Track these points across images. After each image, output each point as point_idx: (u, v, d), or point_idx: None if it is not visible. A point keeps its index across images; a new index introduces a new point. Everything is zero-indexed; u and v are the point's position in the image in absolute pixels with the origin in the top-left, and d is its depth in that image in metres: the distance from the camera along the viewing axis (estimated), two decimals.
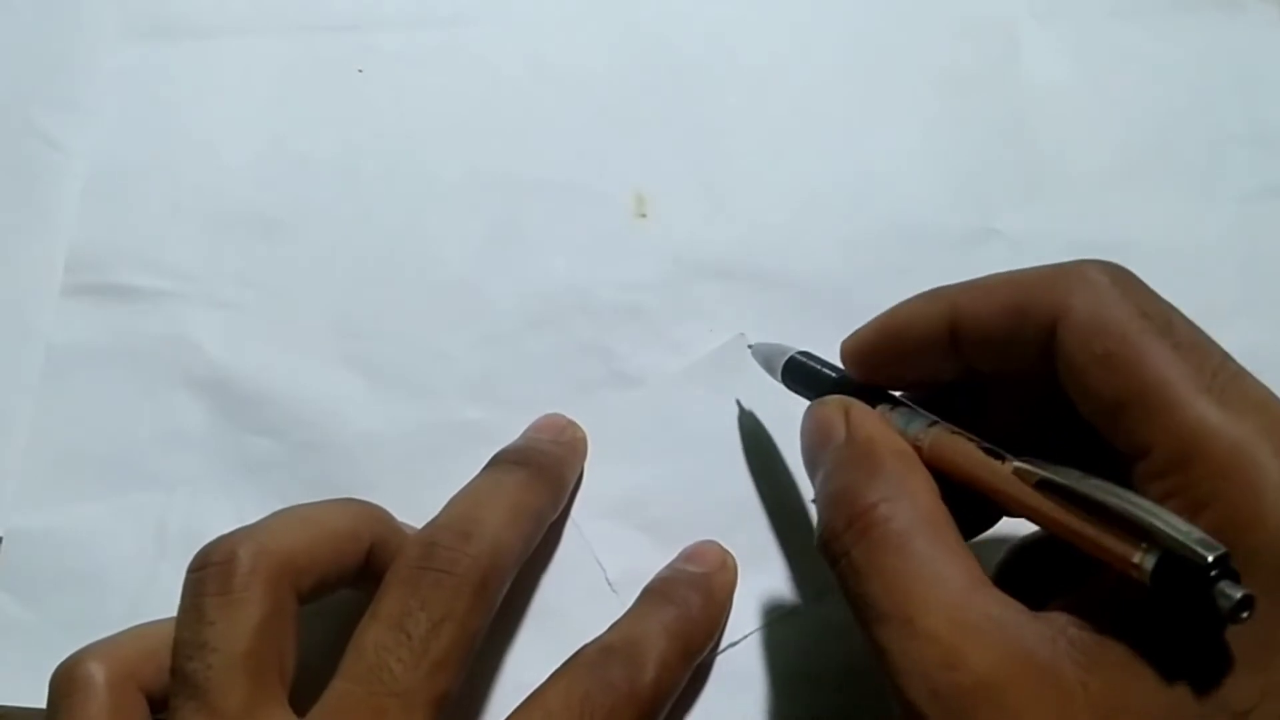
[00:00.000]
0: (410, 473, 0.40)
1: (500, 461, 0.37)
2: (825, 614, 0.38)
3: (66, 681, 0.32)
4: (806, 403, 0.34)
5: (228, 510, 0.40)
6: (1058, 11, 0.47)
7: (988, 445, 0.29)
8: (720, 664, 0.37)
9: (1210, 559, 0.23)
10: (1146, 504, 0.25)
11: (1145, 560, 0.24)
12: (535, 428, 0.40)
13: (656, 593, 0.36)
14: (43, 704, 0.32)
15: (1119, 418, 0.26)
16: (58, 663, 0.32)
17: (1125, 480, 0.26)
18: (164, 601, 0.32)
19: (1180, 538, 0.23)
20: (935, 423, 0.30)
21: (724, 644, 0.37)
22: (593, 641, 0.34)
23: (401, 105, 0.46)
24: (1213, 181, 0.44)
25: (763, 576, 0.38)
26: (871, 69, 0.46)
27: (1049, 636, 0.25)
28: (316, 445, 0.41)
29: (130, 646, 0.33)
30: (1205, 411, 0.24)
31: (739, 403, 0.40)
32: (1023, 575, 0.31)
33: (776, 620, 0.38)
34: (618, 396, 0.41)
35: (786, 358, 0.37)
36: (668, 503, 0.39)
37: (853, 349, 0.33)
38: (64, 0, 0.48)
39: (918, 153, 0.45)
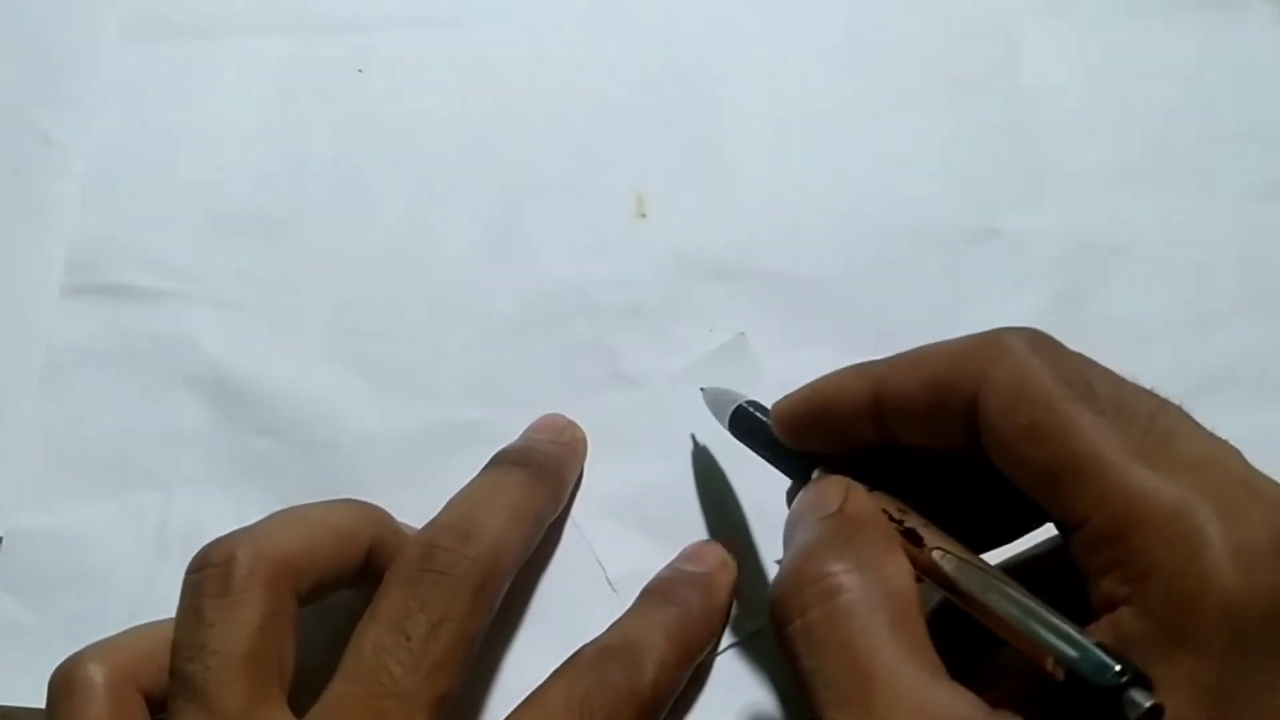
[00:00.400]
0: (410, 473, 0.40)
1: (500, 462, 0.37)
2: None
3: (66, 682, 0.32)
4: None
5: (228, 510, 0.40)
6: (1058, 11, 0.47)
7: (909, 526, 0.29)
8: (720, 664, 0.37)
9: (1108, 677, 0.23)
10: (1046, 618, 0.25)
11: (1058, 669, 0.24)
12: (535, 428, 0.40)
13: (656, 593, 0.36)
14: (43, 704, 0.32)
15: (1051, 488, 0.26)
16: (58, 663, 0.32)
17: (1066, 544, 0.26)
18: (164, 602, 0.32)
19: (1077, 659, 0.23)
20: (870, 490, 0.30)
21: (724, 644, 0.37)
22: (592, 642, 0.34)
23: (401, 105, 0.46)
24: (1212, 181, 0.44)
25: (763, 577, 0.38)
26: (871, 69, 0.46)
27: None
28: (316, 445, 0.41)
29: (130, 648, 0.33)
30: (1138, 476, 0.24)
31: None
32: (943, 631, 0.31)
33: None
34: (618, 396, 0.41)
35: (734, 407, 0.36)
36: (668, 502, 0.39)
37: (781, 415, 0.33)
38: (64, 0, 0.48)
39: (918, 153, 0.45)
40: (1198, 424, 0.26)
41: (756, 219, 0.44)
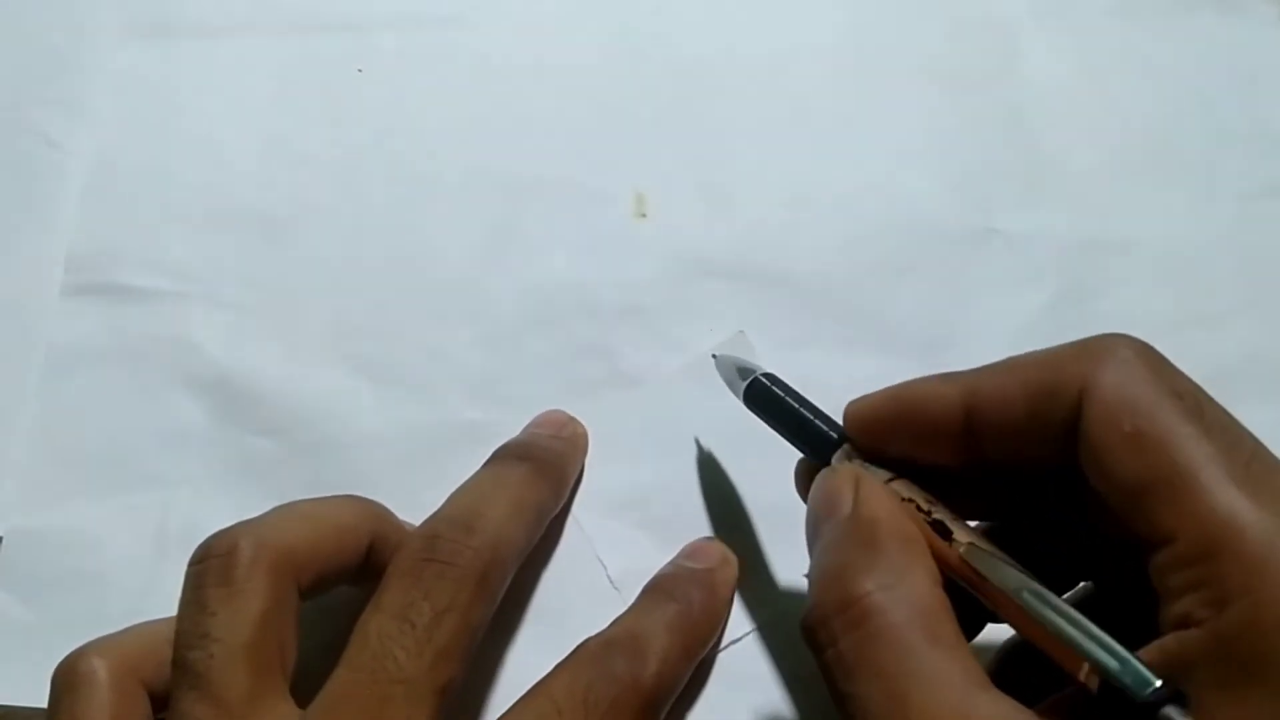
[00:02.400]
0: (410, 473, 0.40)
1: (502, 456, 0.37)
2: None
3: (69, 676, 0.32)
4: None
5: (228, 510, 0.39)
6: (1058, 11, 0.47)
7: (936, 517, 0.28)
8: (722, 661, 0.37)
9: (1147, 694, 0.22)
10: (1085, 625, 0.24)
11: (1090, 678, 0.23)
12: (536, 423, 0.40)
13: (658, 589, 0.36)
14: (43, 704, 0.32)
15: (1143, 500, 0.24)
16: (57, 663, 0.32)
17: (1141, 567, 0.25)
18: (165, 601, 0.32)
19: (1116, 674, 0.23)
20: (892, 479, 0.30)
21: (726, 641, 0.37)
22: (595, 636, 0.34)
23: (401, 105, 0.46)
24: (1212, 181, 0.44)
25: (764, 573, 0.38)
26: (871, 68, 0.46)
27: None
28: (316, 445, 0.41)
29: (132, 642, 0.33)
30: (1237, 502, 0.23)
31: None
32: (1017, 666, 0.31)
33: (778, 617, 0.38)
34: (618, 396, 0.41)
35: (750, 378, 0.35)
36: (668, 501, 0.39)
37: (858, 415, 0.32)
38: (64, 0, 0.48)
39: (917, 152, 0.45)
40: None
41: (756, 219, 0.44)
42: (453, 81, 0.46)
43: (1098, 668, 0.23)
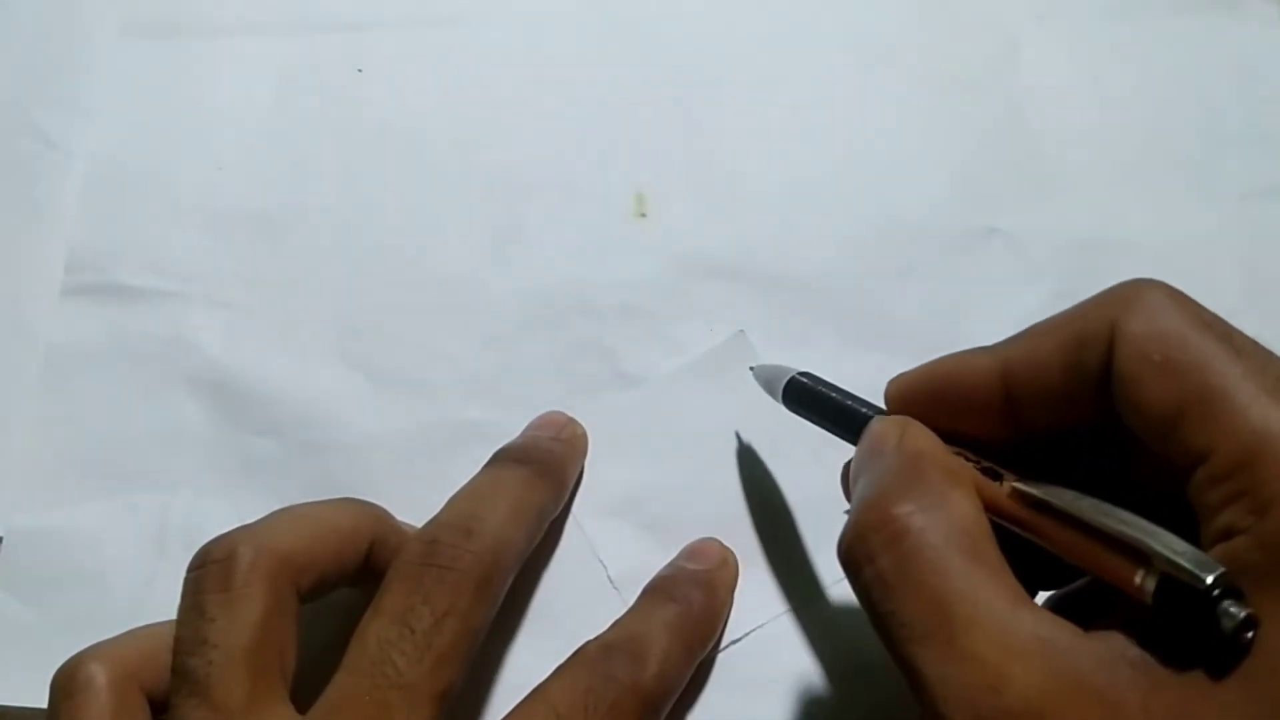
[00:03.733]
0: (410, 473, 0.40)
1: (501, 459, 0.37)
2: (827, 610, 0.38)
3: (68, 682, 0.32)
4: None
5: (228, 510, 0.40)
6: (1057, 12, 0.47)
7: (986, 464, 0.28)
8: (722, 661, 0.37)
9: (1209, 580, 0.22)
10: (1142, 524, 0.24)
11: (1146, 582, 0.23)
12: (535, 425, 0.40)
13: (658, 590, 0.36)
14: (43, 704, 0.32)
15: (1178, 424, 0.25)
16: (58, 663, 0.32)
17: (1183, 500, 0.25)
18: (164, 601, 0.32)
19: (1177, 559, 0.23)
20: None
21: (726, 641, 0.37)
22: (595, 638, 0.34)
23: (401, 105, 0.46)
24: (1212, 181, 0.44)
25: (764, 573, 0.38)
26: (871, 68, 0.46)
27: (1105, 659, 0.23)
28: (316, 445, 0.41)
29: (132, 648, 0.33)
30: (1270, 412, 0.23)
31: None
32: (1072, 595, 0.30)
33: (778, 617, 0.38)
34: (618, 396, 0.41)
35: (786, 379, 0.36)
36: (668, 501, 0.39)
37: (897, 392, 0.32)
38: (64, 0, 0.48)
39: (918, 152, 0.45)
40: None
41: (756, 219, 0.44)
42: (453, 81, 0.46)
43: (1160, 559, 0.23)
